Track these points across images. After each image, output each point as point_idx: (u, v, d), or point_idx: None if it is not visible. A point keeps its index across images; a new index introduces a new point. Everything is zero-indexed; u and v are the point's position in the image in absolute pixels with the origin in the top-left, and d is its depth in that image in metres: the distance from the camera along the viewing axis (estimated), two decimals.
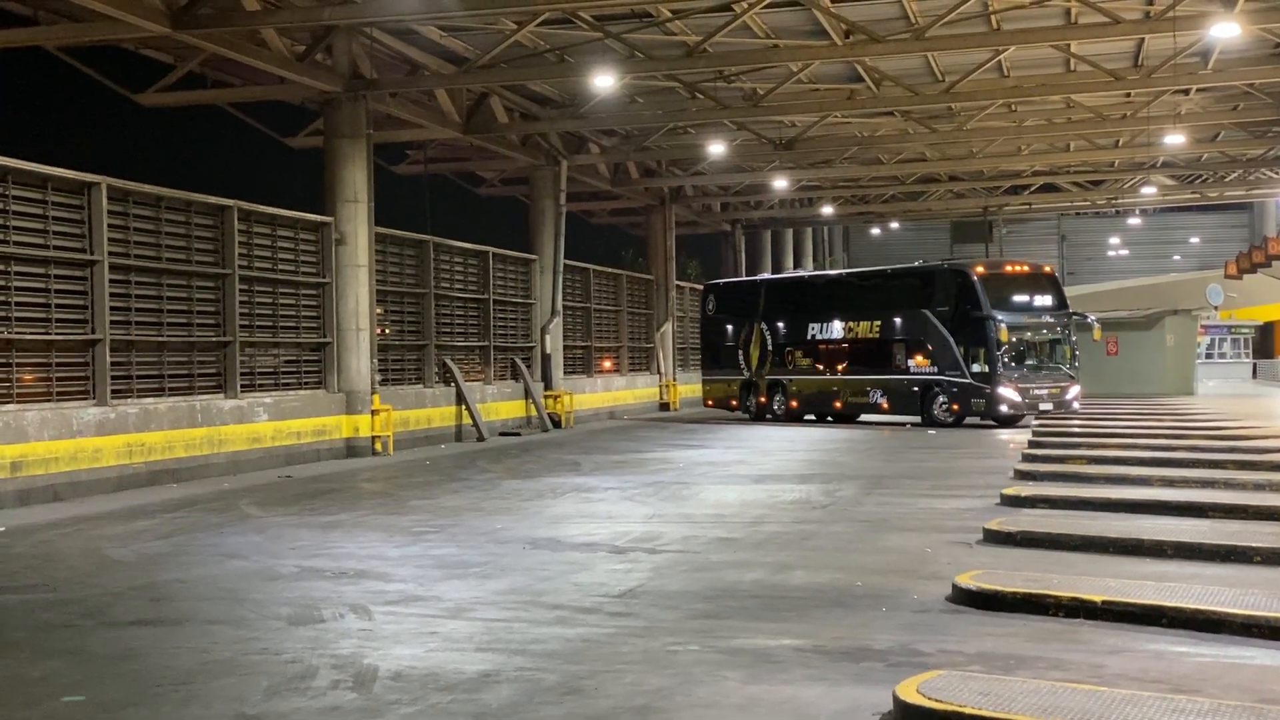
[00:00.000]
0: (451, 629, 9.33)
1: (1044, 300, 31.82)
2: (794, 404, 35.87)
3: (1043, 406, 30.87)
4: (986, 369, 30.56)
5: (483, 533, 14.31)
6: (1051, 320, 31.58)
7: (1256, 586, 9.83)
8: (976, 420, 31.59)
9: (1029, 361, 31.15)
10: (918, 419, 32.33)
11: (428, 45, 27.65)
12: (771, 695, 7.48)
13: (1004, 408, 30.73)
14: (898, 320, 33.05)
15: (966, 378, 30.98)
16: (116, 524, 15.65)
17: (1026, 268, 32.97)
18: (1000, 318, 30.36)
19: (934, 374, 31.83)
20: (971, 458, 23.32)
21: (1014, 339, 30.67)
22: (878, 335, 33.63)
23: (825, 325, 35.29)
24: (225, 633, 9.29)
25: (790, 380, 36.04)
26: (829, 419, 34.78)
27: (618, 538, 13.77)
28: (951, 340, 31.28)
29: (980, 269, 31.64)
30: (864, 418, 34.19)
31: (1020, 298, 31.51)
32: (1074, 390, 31.39)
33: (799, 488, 18.51)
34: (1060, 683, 7.24)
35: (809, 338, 35.77)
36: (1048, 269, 33.52)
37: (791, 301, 37.08)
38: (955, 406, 31.41)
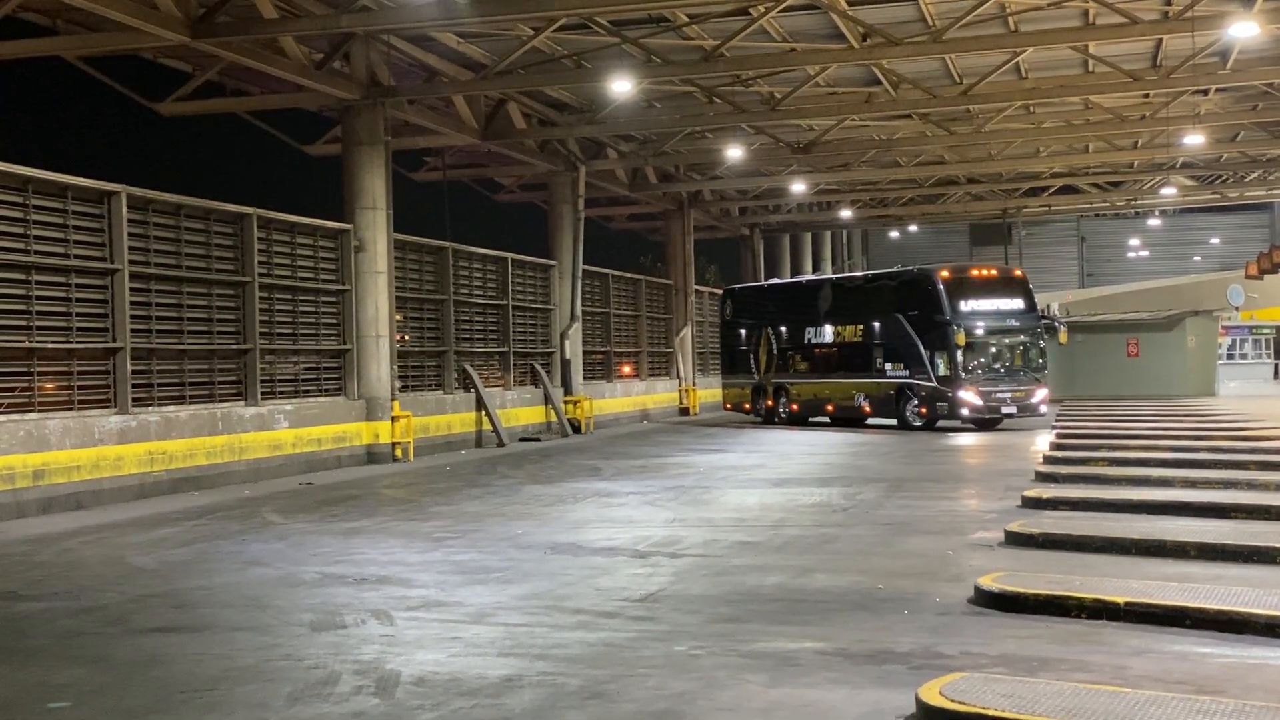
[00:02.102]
0: (473, 634, 9.34)
1: (1010, 304, 31.79)
2: (794, 407, 36.43)
3: (1005, 410, 31.04)
4: (949, 372, 30.68)
5: (504, 538, 14.32)
6: (1016, 324, 31.58)
7: None
8: (955, 424, 31.80)
9: (993, 365, 31.16)
10: (895, 421, 32.63)
11: (445, 52, 27.69)
12: (794, 699, 7.47)
13: (965, 411, 30.86)
14: (876, 324, 33.34)
15: (932, 381, 31.20)
16: (139, 532, 15.69)
17: (994, 271, 33.07)
18: (960, 321, 30.48)
19: (906, 378, 32.09)
20: (992, 460, 23.28)
21: (976, 342, 30.80)
22: (860, 339, 34.03)
23: (818, 330, 35.87)
24: (248, 639, 9.31)
25: (791, 384, 36.62)
26: (848, 422, 34.74)
27: (639, 542, 13.77)
28: (919, 344, 31.49)
29: (944, 273, 31.78)
30: (871, 421, 34.19)
31: (985, 301, 31.51)
32: (1040, 394, 31.41)
33: (819, 491, 18.49)
34: (1084, 684, 7.22)
35: (806, 342, 36.37)
36: (1018, 272, 33.58)
37: (792, 306, 37.64)
38: (923, 410, 31.68)
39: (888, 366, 32.68)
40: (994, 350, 31.23)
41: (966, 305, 31.03)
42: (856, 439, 29.57)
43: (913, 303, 32.04)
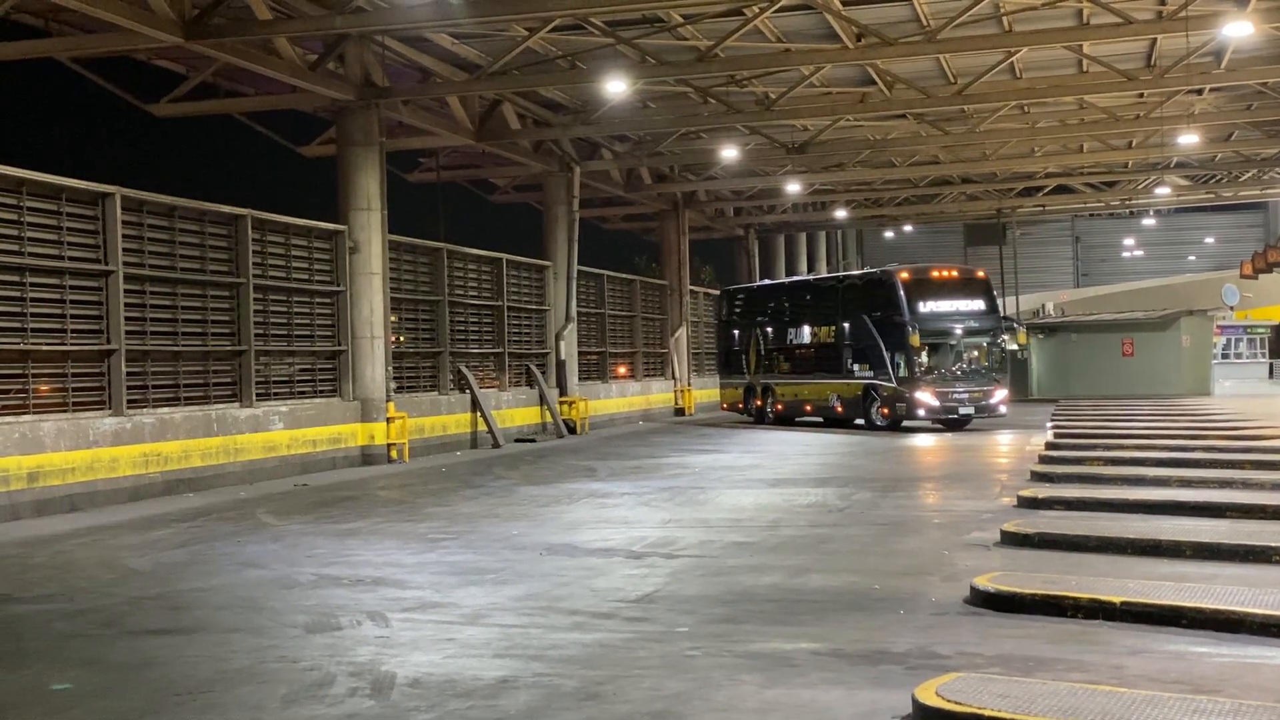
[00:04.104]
0: (469, 635, 9.33)
1: (970, 305, 31.90)
2: (780, 407, 36.61)
3: (963, 411, 31.14)
4: (907, 373, 30.81)
5: (499, 539, 14.31)
6: (975, 325, 31.68)
7: (1275, 586, 9.79)
8: (926, 424, 32.01)
9: (951, 365, 31.28)
10: (864, 422, 32.91)
11: (439, 52, 27.66)
12: (790, 699, 7.46)
13: (921, 412, 31.01)
14: (846, 325, 33.61)
15: (893, 381, 31.33)
16: (134, 533, 15.67)
17: (954, 273, 33.22)
18: (917, 322, 30.66)
19: (871, 379, 32.30)
20: (988, 459, 23.28)
21: (933, 343, 30.97)
22: (833, 340, 34.34)
23: (798, 331, 36.27)
24: (243, 641, 9.30)
25: (776, 384, 36.90)
26: (839, 423, 34.73)
27: (634, 543, 13.76)
28: (882, 344, 31.66)
29: (904, 274, 31.93)
30: (858, 421, 34.27)
31: (944, 302, 31.64)
32: (999, 394, 31.52)
33: (815, 491, 18.48)
34: (1080, 684, 7.22)
35: (788, 342, 36.78)
36: (980, 274, 33.67)
37: (776, 307, 38.07)
38: (885, 410, 31.86)
39: (855, 367, 32.91)
40: (951, 351, 31.38)
41: (925, 306, 31.21)
42: (850, 439, 29.56)
43: (876, 304, 32.26)
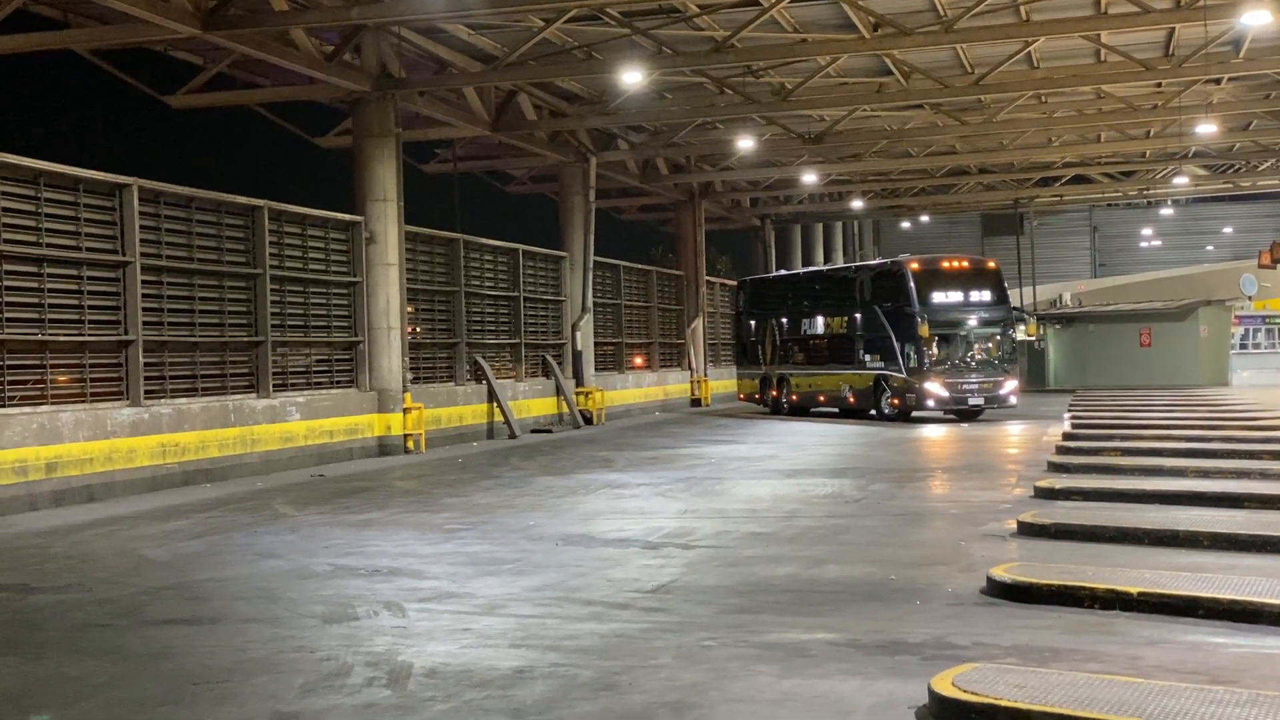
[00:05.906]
0: (485, 625, 9.34)
1: (980, 296, 31.98)
2: (794, 397, 36.68)
3: (973, 401, 31.16)
4: (916, 363, 30.83)
5: (515, 529, 14.33)
6: (985, 315, 31.72)
7: None
8: (938, 415, 32.06)
9: (961, 356, 31.32)
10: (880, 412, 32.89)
11: (456, 43, 27.67)
12: (806, 689, 7.46)
13: (930, 402, 31.05)
14: (858, 316, 33.66)
15: (902, 372, 31.37)
16: (151, 524, 15.73)
17: (965, 263, 33.18)
18: (926, 313, 30.72)
19: (882, 369, 32.34)
20: (1004, 450, 23.25)
21: (942, 334, 31.01)
22: (845, 331, 34.40)
23: (812, 321, 36.43)
24: (260, 631, 9.32)
25: (791, 374, 37.01)
26: (855, 413, 34.72)
27: (650, 533, 13.77)
28: (892, 335, 31.69)
29: (915, 265, 31.96)
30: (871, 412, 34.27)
31: (953, 293, 31.72)
32: (1009, 385, 31.58)
33: (832, 482, 18.48)
34: (1096, 675, 7.21)
35: (803, 333, 36.89)
36: (990, 264, 33.68)
37: (791, 298, 38.18)
38: (895, 401, 31.86)
39: (867, 358, 32.99)
40: (961, 341, 31.40)
41: (935, 297, 31.31)
42: (865, 430, 29.54)
43: (886, 294, 32.32)
